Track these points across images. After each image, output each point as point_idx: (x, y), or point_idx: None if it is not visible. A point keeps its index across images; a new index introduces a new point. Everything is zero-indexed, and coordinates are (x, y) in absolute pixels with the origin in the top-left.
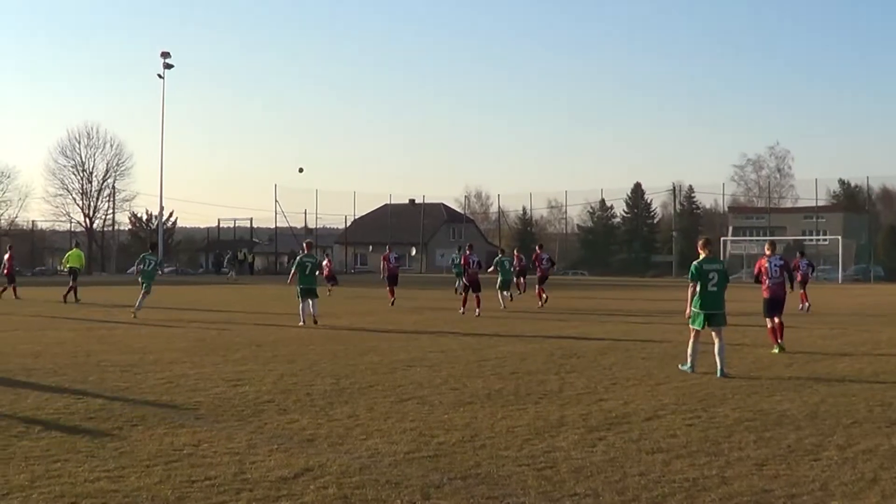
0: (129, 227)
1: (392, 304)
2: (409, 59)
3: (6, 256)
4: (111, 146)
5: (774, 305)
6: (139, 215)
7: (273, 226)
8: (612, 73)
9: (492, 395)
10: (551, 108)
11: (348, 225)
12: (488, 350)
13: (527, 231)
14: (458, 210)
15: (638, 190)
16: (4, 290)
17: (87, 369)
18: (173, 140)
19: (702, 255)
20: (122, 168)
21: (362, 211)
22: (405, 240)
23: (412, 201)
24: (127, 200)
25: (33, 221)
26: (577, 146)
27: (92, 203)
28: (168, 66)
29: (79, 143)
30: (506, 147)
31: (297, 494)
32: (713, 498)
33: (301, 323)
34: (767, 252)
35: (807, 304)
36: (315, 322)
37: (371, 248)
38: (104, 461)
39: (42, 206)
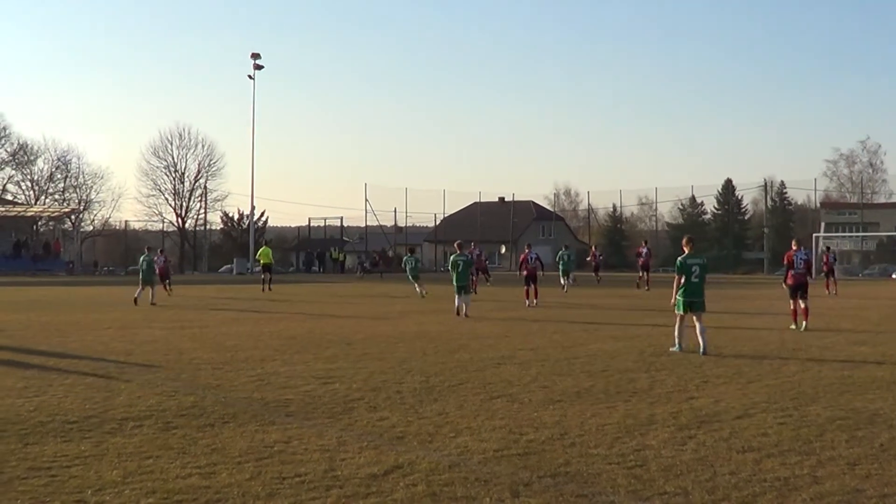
0: (221, 226)
1: (528, 305)
2: (497, 57)
3: (161, 259)
4: (203, 146)
5: (798, 289)
6: (230, 215)
7: (363, 224)
8: (702, 70)
9: (581, 393)
10: (641, 105)
11: (438, 223)
12: (578, 348)
13: (616, 228)
14: (548, 208)
15: (729, 186)
16: (167, 287)
17: (180, 367)
18: (264, 140)
19: (686, 251)
20: (214, 168)
21: (452, 209)
22: (494, 238)
23: (502, 199)
24: (218, 200)
25: (126, 222)
26: (667, 142)
27: (184, 203)
28: (258, 67)
29: (171, 143)
30: (595, 144)
31: (387, 492)
32: (804, 497)
33: (461, 315)
34: (794, 247)
35: (834, 290)
36: (466, 315)
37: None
38: (196, 458)
39: (135, 207)
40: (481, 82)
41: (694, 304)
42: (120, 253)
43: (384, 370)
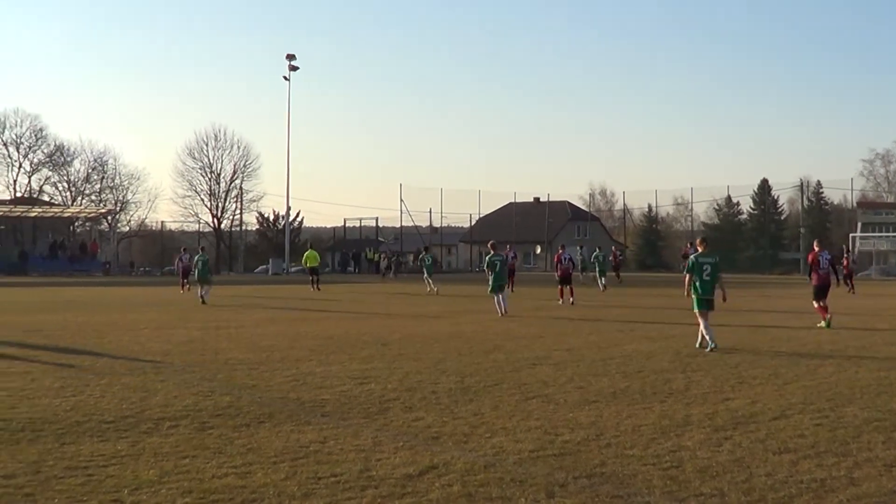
0: (257, 227)
1: (562, 303)
2: (532, 57)
3: (186, 258)
4: (238, 148)
5: (823, 290)
6: (266, 215)
7: (398, 225)
8: (737, 69)
9: (617, 394)
10: (677, 104)
11: (473, 223)
12: (614, 348)
13: (652, 228)
14: (583, 208)
15: (765, 186)
16: (185, 286)
17: (216, 367)
18: (300, 140)
19: (699, 250)
20: (249, 169)
21: (487, 209)
22: (530, 238)
23: (537, 199)
24: (254, 201)
25: (162, 222)
26: (702, 142)
27: (220, 204)
28: (293, 69)
29: (206, 144)
30: (631, 144)
31: (422, 492)
32: (841, 499)
33: (501, 314)
34: (817, 248)
35: (852, 289)
36: (506, 312)
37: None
38: (231, 457)
39: (171, 207)
40: (517, 82)
41: (707, 301)
42: (156, 253)
43: (420, 370)
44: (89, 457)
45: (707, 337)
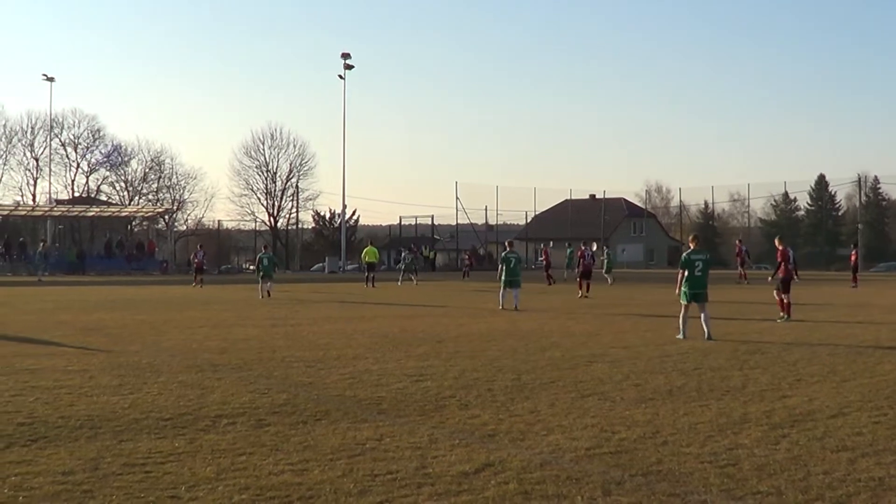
0: (313, 225)
1: (580, 296)
2: (588, 54)
3: (201, 254)
4: (294, 146)
5: (788, 283)
6: (322, 214)
7: (454, 223)
8: (794, 64)
9: (673, 392)
10: (733, 100)
11: (529, 221)
12: (670, 346)
13: (708, 225)
14: (639, 205)
15: (822, 182)
16: (199, 281)
17: (273, 365)
18: (355, 139)
19: (691, 247)
20: (305, 168)
21: (543, 207)
22: (586, 235)
23: (593, 196)
24: (310, 199)
25: (219, 221)
26: (759, 138)
27: (276, 202)
28: (349, 67)
29: (262, 143)
30: (686, 140)
31: (478, 489)
32: None
33: (508, 308)
34: (780, 246)
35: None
36: (516, 308)
37: (552, 243)
38: (288, 454)
39: (227, 206)
40: (572, 79)
41: (697, 295)
42: (213, 252)
43: (476, 368)
44: (147, 454)
45: (681, 326)
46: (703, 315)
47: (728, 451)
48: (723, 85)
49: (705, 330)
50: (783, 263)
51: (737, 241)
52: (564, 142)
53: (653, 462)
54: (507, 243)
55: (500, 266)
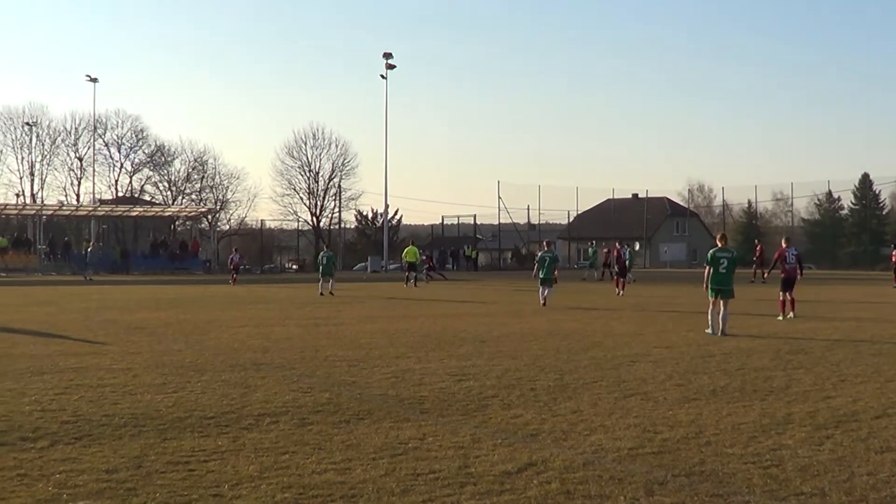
0: (355, 224)
1: (619, 294)
2: (629, 53)
3: (237, 257)
4: (336, 146)
5: (788, 284)
6: (365, 213)
7: (496, 222)
8: (837, 63)
9: (717, 392)
10: (774, 98)
11: (571, 220)
12: (713, 346)
13: (751, 224)
14: (682, 204)
15: (866, 181)
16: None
17: (315, 364)
18: (397, 139)
19: (718, 245)
20: (348, 167)
21: (585, 206)
22: (628, 234)
23: (635, 196)
24: (352, 199)
25: (262, 221)
26: (802, 136)
27: (318, 202)
28: (391, 67)
29: (305, 143)
30: (729, 139)
31: (521, 489)
32: None
33: (543, 304)
34: (784, 245)
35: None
36: (543, 304)
37: (594, 242)
38: (331, 453)
39: (270, 206)
40: (613, 78)
41: (722, 292)
42: (256, 252)
43: (518, 367)
44: (190, 452)
45: (710, 321)
46: (722, 312)
47: (772, 451)
48: (766, 83)
49: (720, 325)
50: (781, 263)
51: (756, 242)
52: (607, 141)
53: (696, 462)
54: (544, 243)
55: (535, 266)
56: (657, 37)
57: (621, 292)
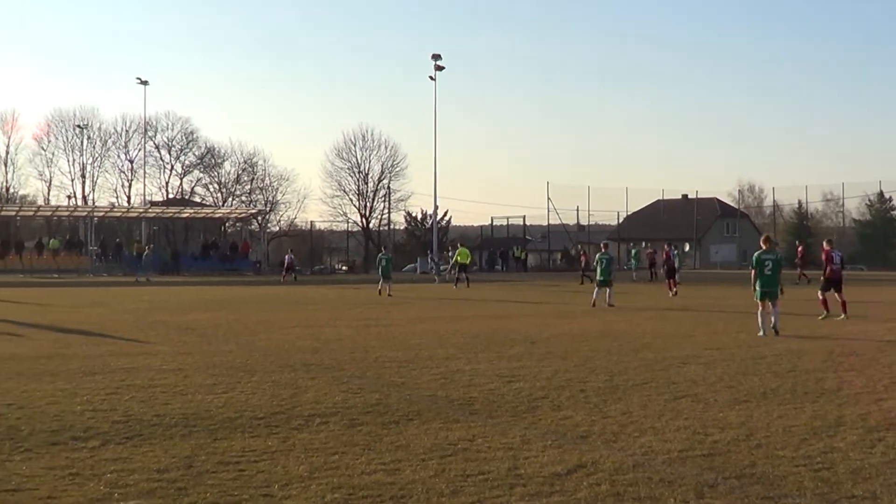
0: (405, 226)
1: (673, 294)
2: (681, 53)
3: (291, 257)
4: (385, 147)
5: (835, 284)
6: (414, 214)
7: (546, 223)
8: (890, 62)
9: (767, 394)
10: (824, 99)
11: (621, 221)
12: (764, 347)
13: (802, 225)
14: (732, 204)
15: None
16: (293, 277)
17: (365, 365)
18: (446, 140)
19: (763, 248)
20: (397, 169)
21: (635, 207)
22: (678, 235)
23: (685, 196)
24: (402, 200)
25: (311, 222)
26: (853, 137)
27: (368, 203)
28: (439, 68)
29: (354, 145)
30: (780, 139)
31: (570, 490)
32: None
33: (599, 305)
34: (827, 247)
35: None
36: (611, 305)
37: (644, 244)
38: (380, 454)
39: (320, 207)
40: (663, 78)
41: (768, 293)
42: (306, 253)
43: (568, 369)
44: (240, 452)
45: (760, 324)
46: (773, 312)
47: (823, 454)
48: (817, 83)
49: (770, 326)
50: (828, 263)
51: (797, 243)
52: (656, 141)
53: (746, 465)
54: (602, 245)
55: (595, 267)
56: (708, 35)
57: (673, 293)
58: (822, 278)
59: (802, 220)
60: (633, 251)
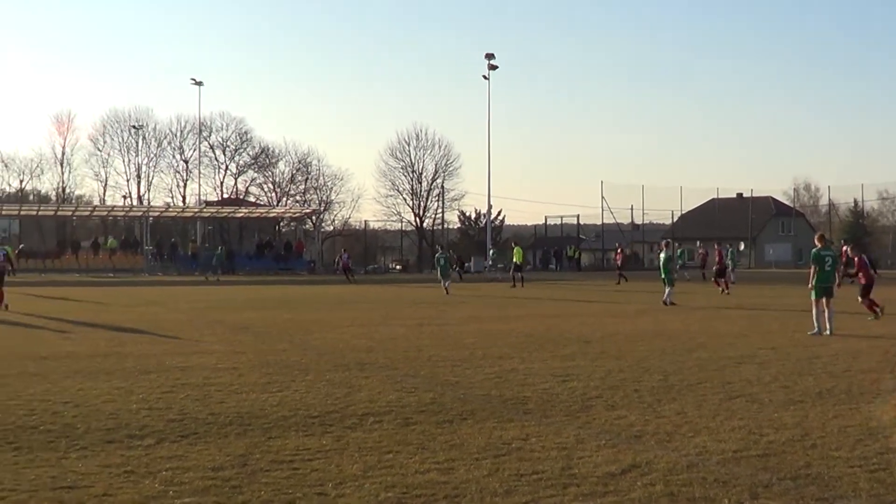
0: (458, 225)
1: (726, 292)
2: (734, 50)
3: (346, 256)
4: (439, 147)
5: (870, 288)
6: (468, 214)
7: (600, 222)
8: None
9: (823, 394)
10: (881, 96)
11: (675, 220)
12: (819, 347)
13: (858, 224)
14: (787, 203)
15: None
16: (350, 278)
17: (419, 364)
18: (500, 139)
19: (819, 246)
20: (451, 168)
21: (689, 206)
22: (733, 235)
23: (739, 195)
24: (455, 199)
25: (366, 221)
26: None
27: (421, 202)
28: (493, 68)
29: (408, 144)
30: (835, 137)
31: (624, 490)
32: None
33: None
34: (858, 251)
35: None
36: (673, 303)
37: (698, 243)
38: (434, 453)
39: (374, 207)
40: (717, 76)
41: (826, 289)
42: (360, 252)
43: (622, 368)
44: (295, 451)
45: (815, 322)
46: (828, 311)
47: (879, 455)
48: (874, 81)
49: (828, 326)
50: (863, 269)
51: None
52: (711, 140)
53: (801, 465)
54: (662, 244)
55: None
56: (764, 34)
57: (726, 291)
58: (860, 283)
59: (858, 218)
60: (679, 251)
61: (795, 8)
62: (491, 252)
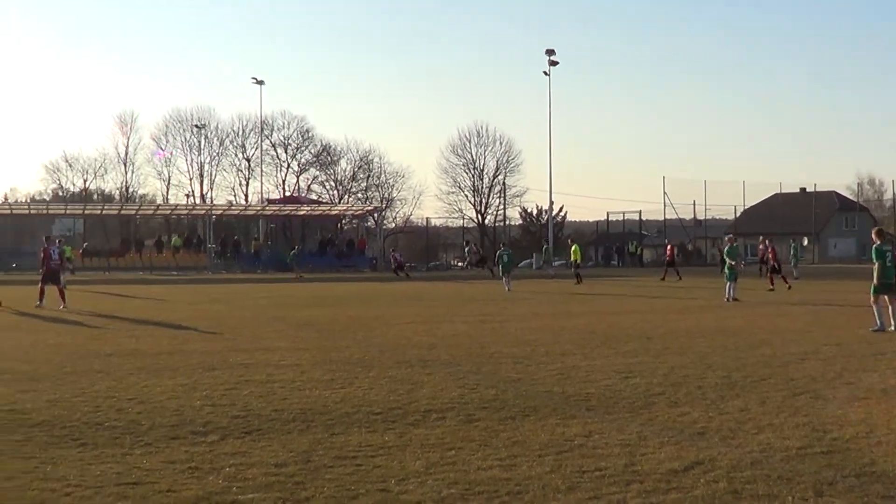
0: (520, 221)
1: (788, 288)
2: (797, 42)
3: (397, 254)
4: (500, 144)
5: None
6: (529, 210)
7: (662, 218)
8: None
9: (888, 391)
10: None
11: (738, 215)
12: (885, 343)
13: None
14: (851, 198)
15: None
16: (405, 275)
17: (481, 361)
18: (561, 135)
19: (877, 242)
20: (512, 165)
21: (752, 201)
22: (796, 230)
23: (803, 190)
24: (517, 196)
25: (427, 218)
26: None
27: (483, 199)
28: (553, 64)
29: (469, 141)
30: None
31: (687, 487)
32: None
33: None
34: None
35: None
36: (727, 300)
37: (761, 238)
38: (497, 450)
39: (435, 204)
40: (780, 69)
41: (889, 285)
42: (421, 249)
43: (685, 365)
44: (357, 447)
45: (877, 318)
46: (891, 308)
47: None
48: None
49: (893, 323)
50: None
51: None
52: (774, 134)
53: (866, 463)
54: (727, 238)
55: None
56: (826, 27)
57: (787, 286)
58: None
59: None
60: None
61: (857, 2)
62: (544, 248)
